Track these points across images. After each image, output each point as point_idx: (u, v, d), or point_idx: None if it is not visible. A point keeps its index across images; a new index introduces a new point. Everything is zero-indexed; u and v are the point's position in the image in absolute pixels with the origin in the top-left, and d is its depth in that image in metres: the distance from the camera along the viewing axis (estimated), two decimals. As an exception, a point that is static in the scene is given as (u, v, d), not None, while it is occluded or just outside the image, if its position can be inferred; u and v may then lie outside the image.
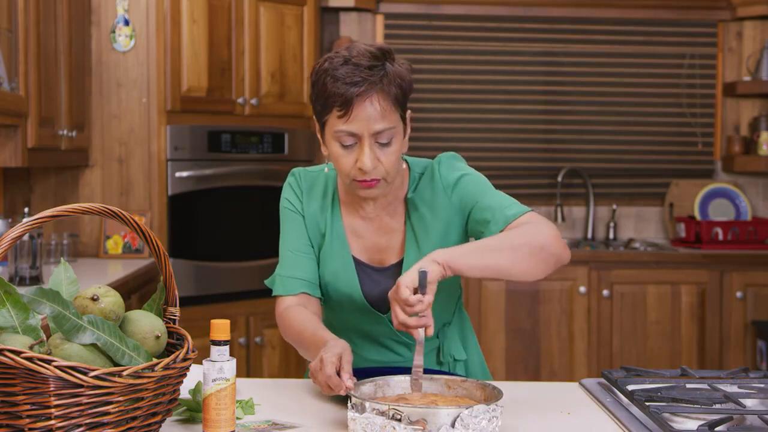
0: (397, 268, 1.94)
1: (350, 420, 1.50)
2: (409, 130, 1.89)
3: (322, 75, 1.81)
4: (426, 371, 1.87)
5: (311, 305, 1.94)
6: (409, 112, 1.89)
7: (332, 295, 1.97)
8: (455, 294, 2.04)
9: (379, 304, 1.95)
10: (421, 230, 1.93)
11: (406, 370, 1.86)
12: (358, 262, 1.96)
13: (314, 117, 1.89)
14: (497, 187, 1.95)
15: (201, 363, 1.63)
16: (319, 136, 1.90)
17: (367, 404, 1.48)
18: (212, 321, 1.51)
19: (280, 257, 2.00)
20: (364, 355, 2.01)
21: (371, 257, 1.97)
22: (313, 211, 1.98)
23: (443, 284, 1.94)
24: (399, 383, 1.66)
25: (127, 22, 3.99)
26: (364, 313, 1.96)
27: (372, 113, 1.78)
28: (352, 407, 1.51)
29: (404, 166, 1.98)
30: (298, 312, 1.90)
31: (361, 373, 1.75)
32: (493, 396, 1.56)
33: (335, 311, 2.01)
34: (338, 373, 1.62)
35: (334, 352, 1.64)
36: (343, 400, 1.76)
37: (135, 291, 3.60)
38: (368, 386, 1.63)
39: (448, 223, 1.93)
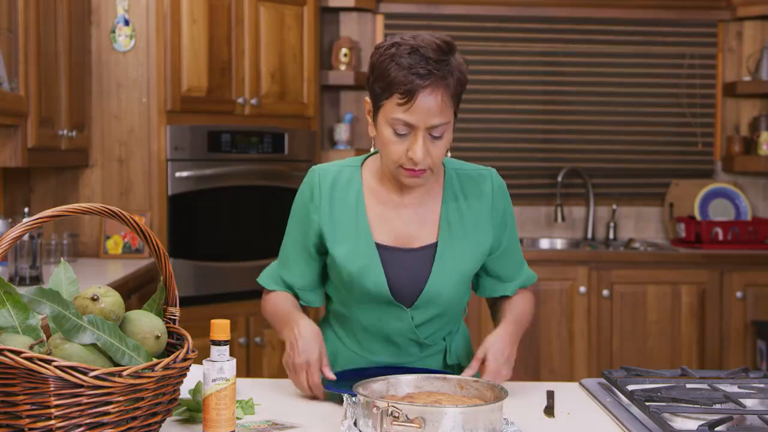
0: (430, 250, 1.94)
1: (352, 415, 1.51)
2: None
3: (387, 59, 1.80)
4: (436, 372, 1.89)
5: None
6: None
7: (356, 288, 1.95)
8: (462, 307, 2.07)
9: (402, 293, 1.94)
10: (456, 219, 1.96)
11: (411, 370, 1.89)
12: (384, 248, 1.94)
13: (368, 97, 1.88)
14: None
15: (201, 363, 1.63)
16: (369, 116, 1.89)
17: (368, 401, 1.50)
18: (212, 321, 1.51)
19: (279, 253, 2.05)
20: (375, 359, 2.01)
21: (399, 242, 1.95)
22: (336, 206, 1.96)
23: (455, 299, 1.99)
24: (410, 382, 1.67)
25: (127, 22, 3.99)
26: (386, 306, 1.95)
27: (433, 107, 1.79)
28: (354, 404, 1.53)
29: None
30: (278, 294, 2.04)
31: (370, 373, 1.79)
32: (500, 397, 1.57)
33: (356, 308, 1.99)
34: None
35: (309, 355, 1.81)
36: (343, 400, 1.77)
37: (135, 291, 3.60)
38: (380, 384, 1.64)
39: (483, 222, 1.99)
